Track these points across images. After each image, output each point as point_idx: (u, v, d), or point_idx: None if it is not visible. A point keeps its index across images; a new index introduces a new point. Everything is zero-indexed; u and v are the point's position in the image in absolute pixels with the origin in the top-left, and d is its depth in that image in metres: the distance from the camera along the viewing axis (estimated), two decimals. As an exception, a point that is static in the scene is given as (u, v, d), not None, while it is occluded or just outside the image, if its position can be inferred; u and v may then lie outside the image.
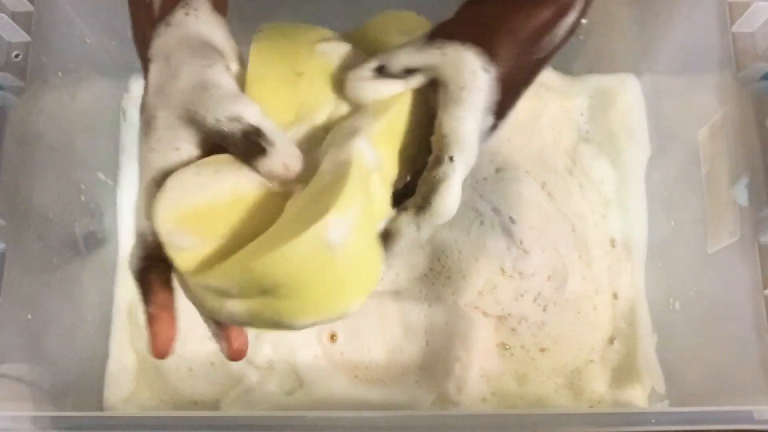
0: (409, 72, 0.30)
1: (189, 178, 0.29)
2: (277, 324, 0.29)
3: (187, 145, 0.30)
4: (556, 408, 0.54)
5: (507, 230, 0.58)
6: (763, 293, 0.41)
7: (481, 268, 0.57)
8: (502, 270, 0.57)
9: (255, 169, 0.29)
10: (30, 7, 0.46)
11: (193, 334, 0.56)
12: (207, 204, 0.29)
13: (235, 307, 0.28)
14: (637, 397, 0.55)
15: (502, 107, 0.30)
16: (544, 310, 0.57)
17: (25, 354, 0.46)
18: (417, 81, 0.31)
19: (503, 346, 0.56)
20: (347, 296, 0.29)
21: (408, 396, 0.55)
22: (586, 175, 0.60)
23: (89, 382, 0.54)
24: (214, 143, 0.30)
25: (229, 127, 0.28)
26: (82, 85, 0.54)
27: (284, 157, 0.28)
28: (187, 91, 0.29)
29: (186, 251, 0.28)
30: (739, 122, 0.44)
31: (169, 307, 0.31)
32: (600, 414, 0.45)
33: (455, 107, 0.29)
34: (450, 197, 0.29)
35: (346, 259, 0.27)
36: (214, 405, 0.55)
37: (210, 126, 0.29)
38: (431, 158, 0.30)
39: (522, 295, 0.57)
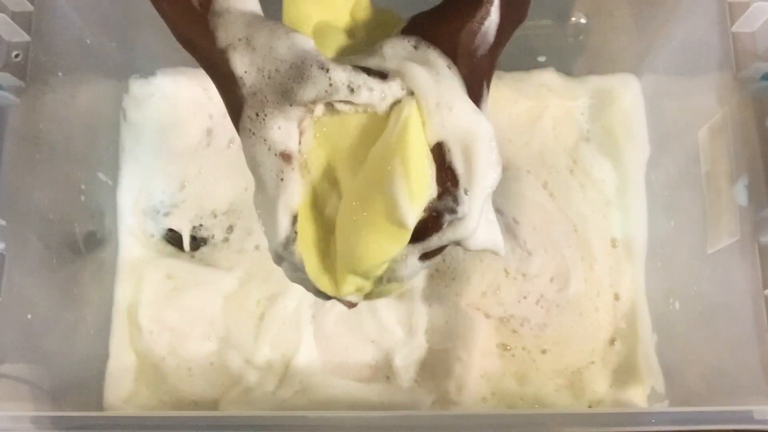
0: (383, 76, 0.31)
1: None
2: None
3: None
4: (556, 408, 0.54)
5: (511, 231, 0.58)
6: (763, 293, 0.41)
7: (486, 269, 0.57)
8: (506, 271, 0.57)
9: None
10: (30, 7, 0.46)
11: (192, 334, 0.56)
12: None
13: None
14: (637, 397, 0.55)
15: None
16: (547, 311, 0.57)
17: (25, 354, 0.46)
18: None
19: (504, 347, 0.56)
20: None
21: (408, 396, 0.55)
22: (587, 175, 0.60)
23: (89, 382, 0.54)
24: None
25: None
26: (82, 85, 0.54)
27: None
28: (289, 70, 0.30)
29: None
30: (739, 122, 0.44)
31: None
32: (600, 414, 0.45)
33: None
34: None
35: None
36: (214, 405, 0.55)
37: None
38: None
39: (525, 297, 0.57)
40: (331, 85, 0.30)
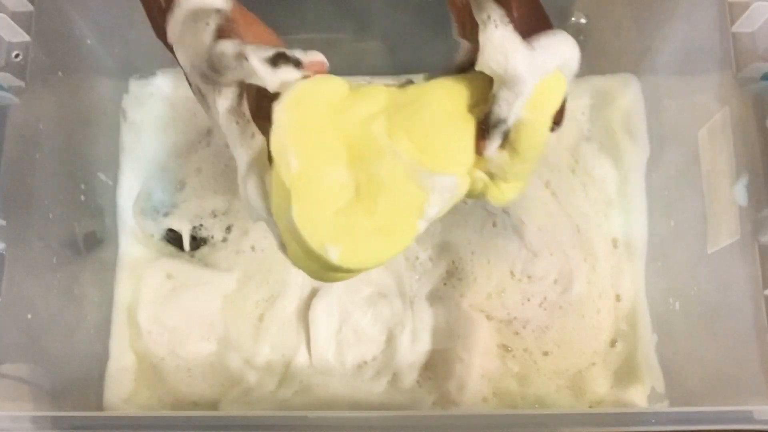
0: None
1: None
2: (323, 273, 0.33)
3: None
4: (556, 408, 0.54)
5: (518, 232, 0.57)
6: (763, 293, 0.41)
7: (492, 270, 0.57)
8: (512, 273, 0.57)
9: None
10: (30, 7, 0.46)
11: (192, 335, 0.56)
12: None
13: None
14: (638, 397, 0.55)
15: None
16: (549, 314, 0.56)
17: (25, 354, 0.46)
18: None
19: (505, 348, 0.56)
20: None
21: (408, 396, 0.55)
22: (588, 174, 0.60)
23: (89, 382, 0.54)
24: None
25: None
26: (82, 85, 0.55)
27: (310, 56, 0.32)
28: (204, 61, 0.32)
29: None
30: (739, 122, 0.44)
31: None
32: (600, 414, 0.45)
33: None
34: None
35: None
36: (214, 405, 0.55)
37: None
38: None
39: (528, 299, 0.57)
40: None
